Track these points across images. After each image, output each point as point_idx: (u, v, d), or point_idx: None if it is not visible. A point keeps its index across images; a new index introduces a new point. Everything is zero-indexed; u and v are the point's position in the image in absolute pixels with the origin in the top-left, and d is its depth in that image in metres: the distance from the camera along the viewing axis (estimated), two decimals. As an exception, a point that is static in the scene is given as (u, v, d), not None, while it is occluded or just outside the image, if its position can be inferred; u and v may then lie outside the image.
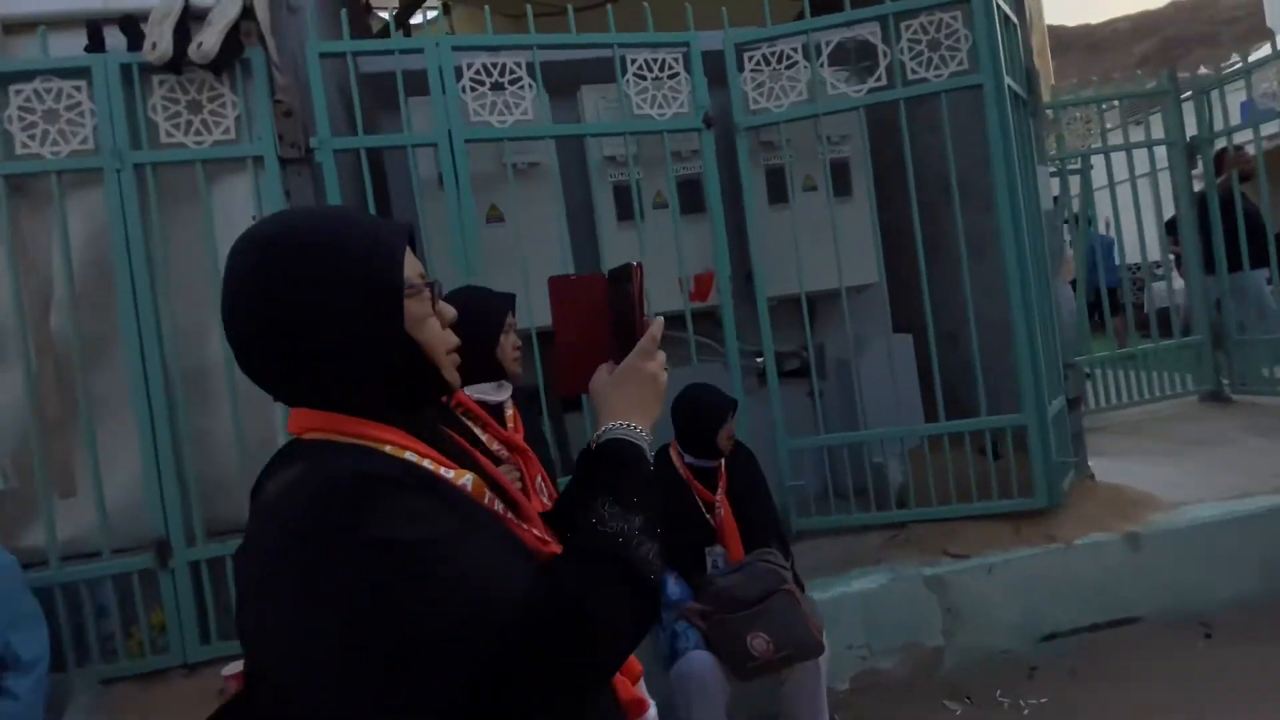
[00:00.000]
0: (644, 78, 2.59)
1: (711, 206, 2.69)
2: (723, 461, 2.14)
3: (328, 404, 0.65)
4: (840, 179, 2.91)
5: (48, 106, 2.14)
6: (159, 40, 2.13)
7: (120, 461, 2.18)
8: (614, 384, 0.78)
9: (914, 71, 2.59)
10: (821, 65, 2.64)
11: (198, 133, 2.26)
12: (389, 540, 0.55)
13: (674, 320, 2.77)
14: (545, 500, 1.42)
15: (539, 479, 1.45)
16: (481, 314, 1.47)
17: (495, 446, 1.42)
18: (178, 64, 2.18)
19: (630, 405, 0.75)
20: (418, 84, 2.41)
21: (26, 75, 2.11)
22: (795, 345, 3.06)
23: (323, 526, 0.55)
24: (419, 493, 0.61)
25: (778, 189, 2.87)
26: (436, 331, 0.70)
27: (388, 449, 0.64)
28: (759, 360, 2.88)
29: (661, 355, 0.78)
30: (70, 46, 2.19)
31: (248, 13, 2.25)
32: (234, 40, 2.23)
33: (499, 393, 1.51)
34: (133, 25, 2.20)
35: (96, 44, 2.21)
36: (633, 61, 2.57)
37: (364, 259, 0.64)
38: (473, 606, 0.56)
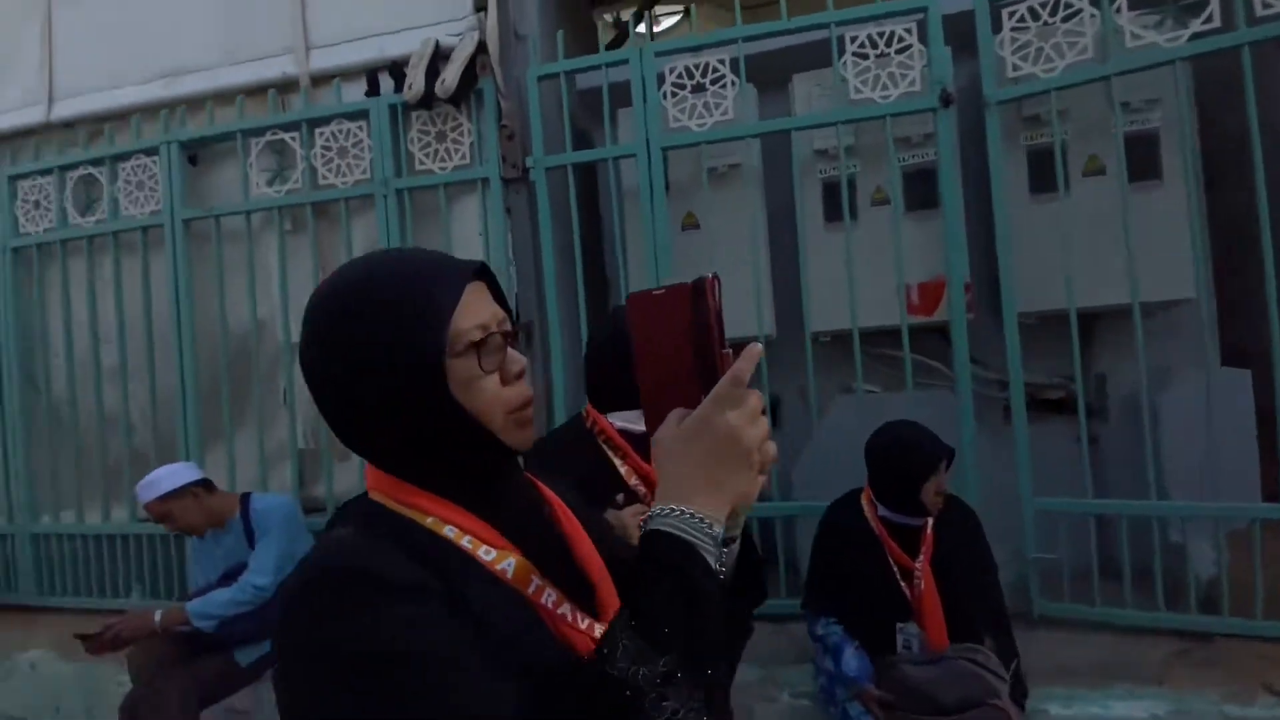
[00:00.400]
0: (865, 57, 2.24)
1: (947, 200, 2.23)
2: (929, 521, 1.75)
3: (388, 466, 0.63)
4: (1142, 158, 2.17)
5: (340, 145, 2.64)
6: (414, 81, 2.48)
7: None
8: (680, 440, 0.58)
9: (1266, 4, 1.81)
10: (1118, 10, 1.99)
11: (442, 159, 2.59)
12: (353, 650, 0.50)
13: (888, 337, 2.42)
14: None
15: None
16: (614, 335, 1.38)
17: (633, 481, 1.32)
18: (429, 100, 2.51)
19: (694, 476, 0.57)
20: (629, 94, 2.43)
21: (325, 119, 2.64)
22: (1058, 375, 2.41)
23: (300, 620, 0.54)
24: (409, 600, 0.53)
25: (1042, 175, 2.26)
26: (489, 393, 0.60)
27: (429, 522, 0.60)
28: (1003, 392, 2.33)
29: (754, 400, 0.57)
30: (355, 92, 2.67)
31: (482, 46, 2.50)
32: (471, 73, 2.49)
33: (643, 421, 1.41)
34: (399, 70, 2.59)
35: (373, 89, 2.66)
36: (853, 40, 2.24)
37: (401, 319, 0.58)
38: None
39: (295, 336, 2.59)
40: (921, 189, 2.32)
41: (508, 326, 0.63)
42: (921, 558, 1.74)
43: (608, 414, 1.36)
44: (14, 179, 2.99)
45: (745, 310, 2.31)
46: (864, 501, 1.85)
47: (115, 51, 2.92)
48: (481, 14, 2.55)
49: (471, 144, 2.56)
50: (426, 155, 2.60)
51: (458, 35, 2.54)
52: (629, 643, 0.51)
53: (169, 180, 2.78)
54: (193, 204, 2.80)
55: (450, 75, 2.44)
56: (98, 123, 2.93)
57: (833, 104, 2.34)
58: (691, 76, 2.38)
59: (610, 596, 0.65)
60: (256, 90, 2.74)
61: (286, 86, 2.73)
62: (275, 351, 2.78)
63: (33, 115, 2.98)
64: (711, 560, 0.55)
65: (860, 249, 2.31)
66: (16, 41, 3.04)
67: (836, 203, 2.35)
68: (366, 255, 0.67)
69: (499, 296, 0.65)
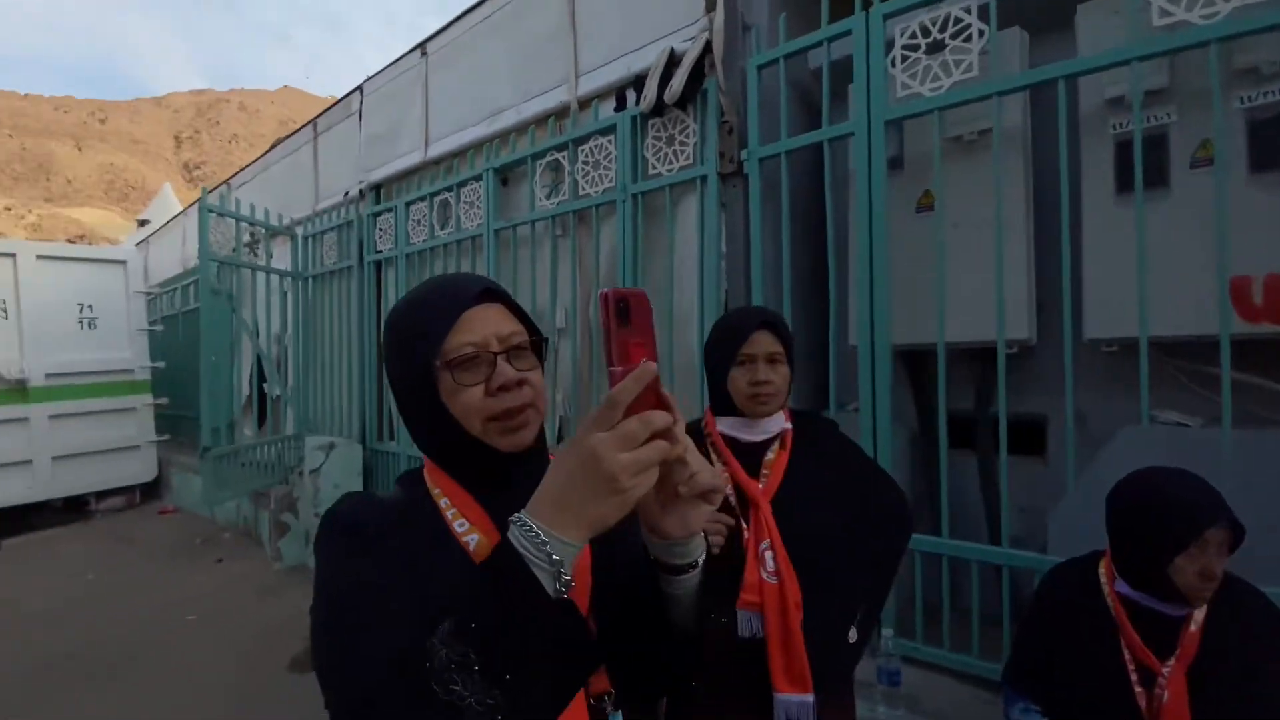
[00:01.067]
0: (1178, -37, 1.62)
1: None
2: (1196, 613, 1.25)
3: (425, 451, 0.80)
4: None
5: (595, 159, 3.02)
6: (647, 92, 2.68)
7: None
8: (560, 454, 0.60)
9: None
10: None
11: (669, 162, 2.75)
12: (321, 569, 0.69)
13: (1209, 350, 1.69)
14: (765, 573, 1.20)
15: (764, 546, 1.23)
16: (719, 339, 1.33)
17: (728, 489, 1.28)
18: (660, 108, 2.69)
19: (551, 491, 0.58)
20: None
21: (585, 138, 3.04)
22: None
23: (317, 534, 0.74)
24: (352, 546, 0.69)
25: None
26: (469, 402, 0.71)
27: (436, 493, 0.76)
28: None
29: (631, 425, 0.55)
30: (610, 110, 3.00)
31: (709, 46, 2.57)
32: (698, 75, 2.59)
33: (749, 431, 1.33)
34: (641, 84, 2.83)
35: (621, 105, 2.95)
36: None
37: (408, 338, 0.75)
38: (331, 654, 0.63)
39: (560, 322, 3.11)
40: (1275, 141, 1.58)
41: (515, 341, 0.73)
42: (1174, 660, 1.25)
43: (720, 417, 1.34)
44: (409, 205, 4.20)
45: (988, 309, 1.93)
46: (1101, 571, 1.40)
47: (462, 103, 3.85)
48: (712, 13, 2.61)
49: (695, 144, 2.66)
50: (658, 160, 2.79)
51: (691, 40, 2.65)
52: (462, 672, 0.54)
53: (487, 200, 3.56)
54: (503, 217, 3.54)
55: (676, 81, 2.57)
56: (452, 159, 3.92)
57: (1132, 39, 1.75)
58: (927, 34, 2.05)
59: (578, 595, 0.69)
60: (542, 119, 3.30)
61: (562, 113, 3.23)
62: (548, 333, 3.36)
63: (415, 158, 4.13)
64: (543, 575, 0.57)
65: (1171, 227, 1.71)
66: (409, 106, 4.24)
67: (1133, 166, 1.76)
68: (423, 281, 0.83)
69: (520, 312, 0.76)
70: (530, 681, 0.56)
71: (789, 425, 1.35)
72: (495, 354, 0.71)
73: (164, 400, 7.19)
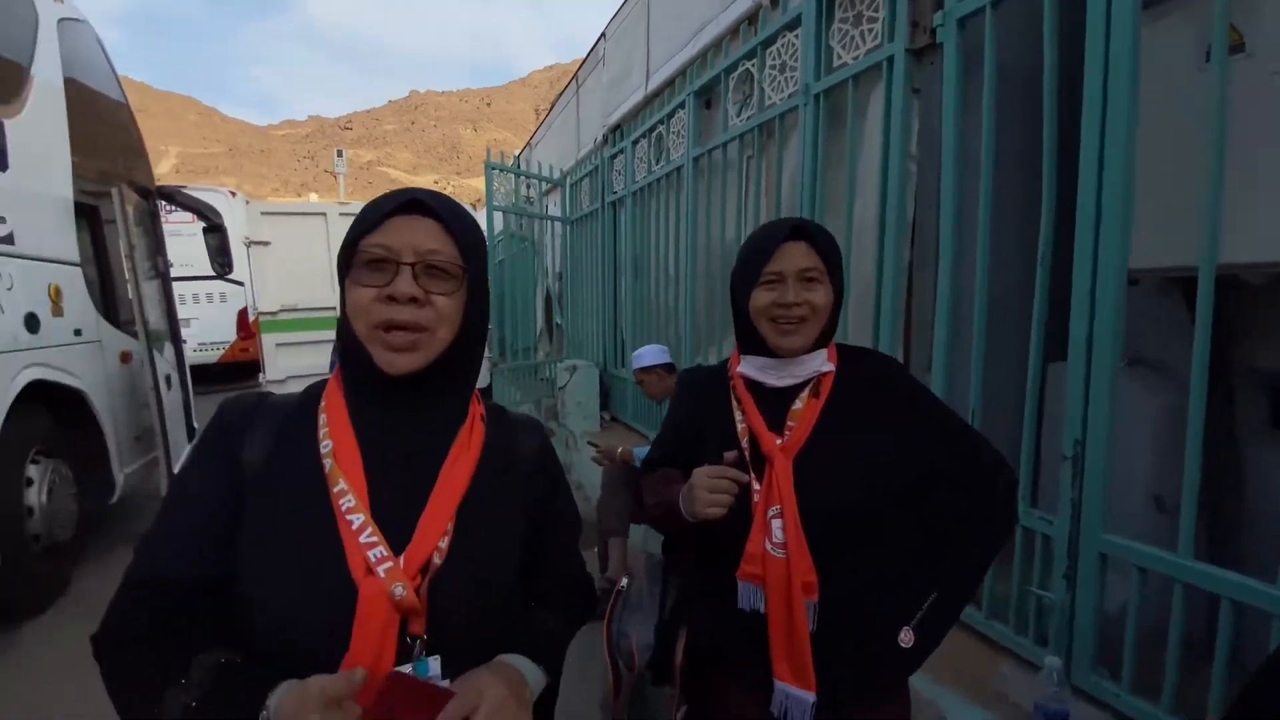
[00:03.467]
0: None
1: None
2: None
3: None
4: None
5: (782, 60, 2.64)
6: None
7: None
8: None
9: None
10: None
11: (855, 47, 2.24)
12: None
13: None
14: (770, 544, 0.96)
15: (773, 512, 0.97)
16: (742, 259, 1.05)
17: (745, 441, 1.04)
18: (845, -20, 2.19)
19: None
20: None
21: (772, 38, 2.66)
22: None
23: None
24: (206, 443, 0.76)
25: None
26: (357, 300, 0.69)
27: (323, 403, 0.75)
28: None
29: None
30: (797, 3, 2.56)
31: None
32: (890, -76, 2.02)
33: (775, 374, 1.03)
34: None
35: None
36: None
37: (350, 229, 0.73)
38: (148, 532, 0.73)
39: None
40: None
41: (434, 260, 0.69)
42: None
43: (747, 357, 1.09)
44: (634, 143, 4.32)
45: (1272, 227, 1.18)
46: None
47: (673, 27, 3.73)
48: None
49: (885, 20, 2.10)
50: (844, 47, 2.30)
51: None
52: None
53: (690, 126, 3.44)
54: (703, 143, 3.39)
55: (859, -60, 2.05)
56: (665, 89, 3.86)
57: None
58: None
59: (421, 553, 0.68)
60: (736, 30, 3.00)
61: (754, 17, 2.88)
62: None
63: (640, 95, 4.19)
64: None
65: None
66: (636, 42, 4.27)
67: None
68: None
69: (459, 234, 0.71)
70: None
71: (831, 366, 1.04)
72: (401, 263, 0.68)
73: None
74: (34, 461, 2.88)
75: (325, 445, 0.71)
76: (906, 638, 0.95)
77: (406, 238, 0.68)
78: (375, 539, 0.66)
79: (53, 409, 3.03)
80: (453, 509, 0.71)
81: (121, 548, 3.55)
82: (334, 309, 7.12)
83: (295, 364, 5.35)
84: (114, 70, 4.08)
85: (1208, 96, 1.34)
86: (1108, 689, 1.50)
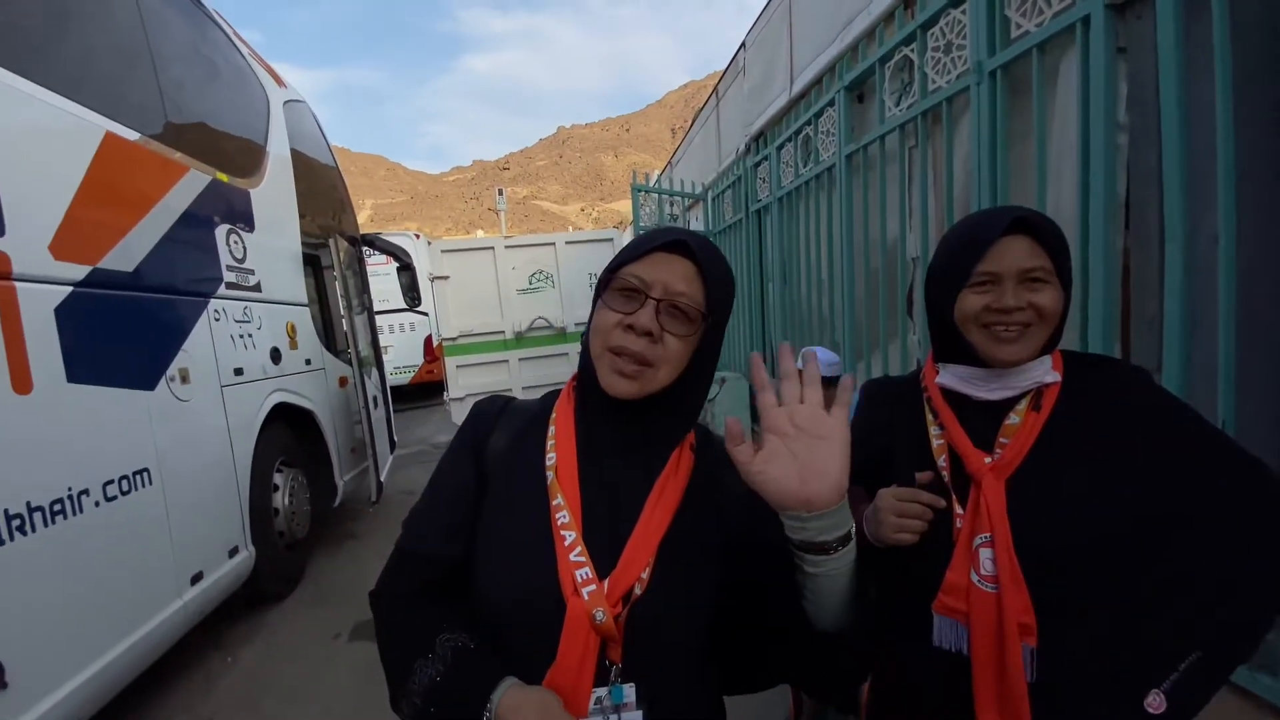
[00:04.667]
0: None
1: None
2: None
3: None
4: None
5: (947, 39, 2.42)
6: (1001, -74, 1.98)
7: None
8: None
9: None
10: None
11: (1039, 11, 1.99)
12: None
13: None
14: (978, 576, 0.86)
15: (980, 540, 0.86)
16: (946, 253, 0.94)
17: (941, 459, 0.94)
18: (1021, -59, 1.96)
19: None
20: None
21: (934, 18, 2.45)
22: None
23: None
24: (460, 436, 0.82)
25: None
26: (598, 321, 0.73)
27: (553, 414, 0.80)
28: None
29: None
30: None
31: None
32: None
33: (985, 385, 0.91)
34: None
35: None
36: None
37: (623, 249, 0.79)
38: (410, 514, 0.82)
39: (915, 251, 2.67)
40: None
41: (681, 303, 0.70)
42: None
43: (947, 365, 0.99)
44: (779, 148, 4.21)
45: None
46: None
47: (819, 24, 3.59)
48: None
49: (1075, -26, 1.84)
50: (1024, 13, 2.05)
51: None
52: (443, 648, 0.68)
53: (840, 123, 3.29)
54: (856, 139, 3.22)
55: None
56: (812, 89, 3.73)
57: None
58: None
59: (624, 582, 0.69)
60: (890, 16, 2.82)
61: (910, 2, 2.68)
62: (906, 265, 2.93)
63: (784, 99, 4.08)
64: None
65: None
66: (778, 46, 4.18)
67: None
68: None
69: (711, 282, 0.71)
70: None
71: (1057, 376, 0.91)
72: (650, 296, 0.70)
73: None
74: (279, 470, 3.45)
75: (550, 458, 0.76)
76: (1156, 703, 0.78)
77: (661, 274, 0.70)
78: (583, 559, 0.69)
79: (290, 426, 3.61)
80: (656, 542, 0.72)
81: (349, 542, 4.12)
82: (503, 333, 7.77)
83: (473, 382, 5.91)
84: (326, 140, 4.83)
85: None
86: None
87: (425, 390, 10.44)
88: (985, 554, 0.87)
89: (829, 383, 2.81)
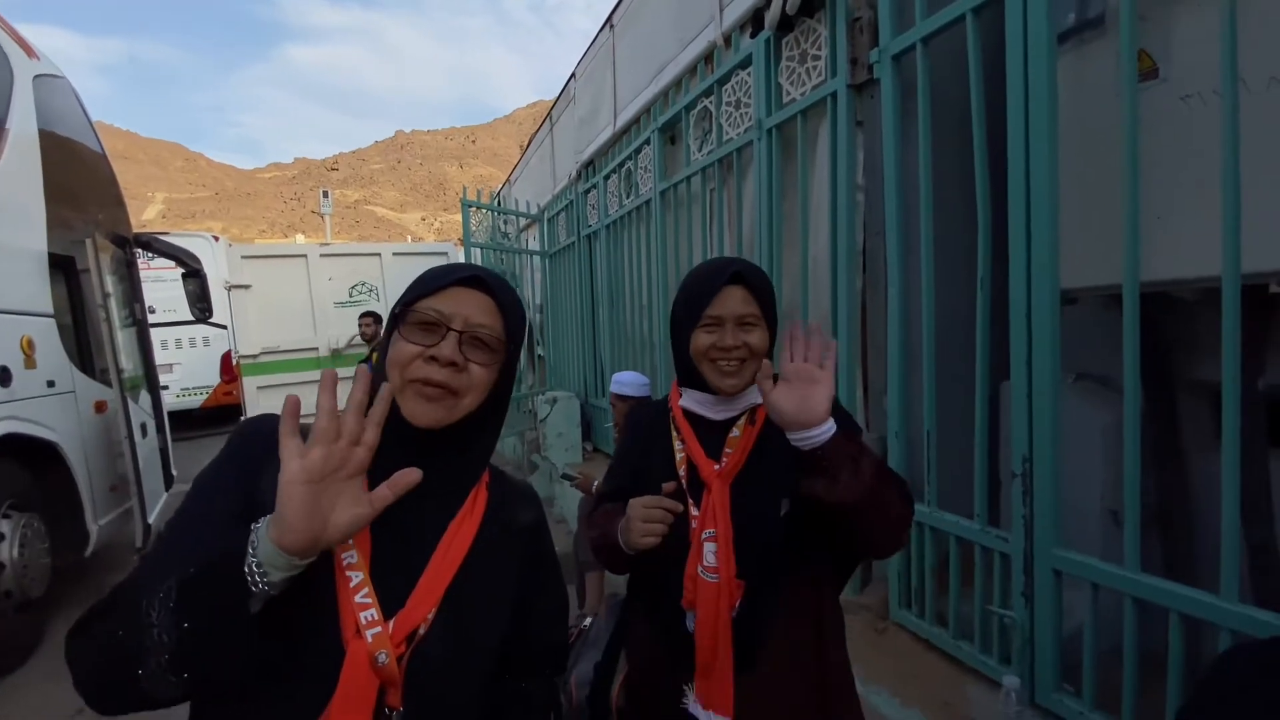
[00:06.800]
0: None
1: None
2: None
3: None
4: None
5: (737, 96, 2.74)
6: (773, 3, 2.31)
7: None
8: None
9: None
10: None
11: (802, 84, 2.34)
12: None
13: None
14: (702, 568, 0.99)
15: (707, 535, 1.00)
16: (683, 298, 1.09)
17: (682, 471, 1.08)
18: (789, 21, 2.29)
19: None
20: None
21: (727, 76, 2.77)
22: None
23: None
24: (227, 453, 0.75)
25: None
26: (396, 354, 0.72)
27: (367, 436, 0.68)
28: None
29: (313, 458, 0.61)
30: (749, 43, 2.67)
31: (838, -71, 2.08)
32: (827, -31, 2.13)
33: (715, 408, 1.07)
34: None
35: (759, 29, 2.59)
36: None
37: (413, 283, 0.78)
38: (160, 536, 0.72)
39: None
40: None
41: (481, 334, 0.73)
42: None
43: (689, 390, 1.13)
44: (605, 178, 4.42)
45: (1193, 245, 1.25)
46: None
47: (637, 67, 3.85)
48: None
49: (826, 57, 2.20)
50: (792, 83, 2.40)
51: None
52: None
53: (655, 161, 3.54)
54: (668, 177, 3.48)
55: (797, -17, 2.16)
56: (632, 126, 3.97)
57: None
58: None
59: (410, 622, 0.68)
60: (694, 68, 3.12)
61: (711, 56, 2.99)
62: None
63: (609, 132, 4.30)
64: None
65: None
66: (603, 81, 4.40)
67: None
68: None
69: (508, 314, 0.75)
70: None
71: None
72: (451, 329, 0.72)
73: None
74: (5, 516, 2.85)
75: None
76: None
77: (461, 308, 0.73)
78: (369, 600, 0.67)
79: (25, 462, 3.01)
80: (446, 581, 0.71)
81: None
82: (316, 350, 7.06)
83: (277, 405, 5.35)
84: (90, 122, 4.15)
85: (1123, 120, 1.42)
86: (1071, 707, 1.51)
87: (224, 414, 9.18)
88: (709, 547, 1.00)
89: (642, 401, 2.97)
